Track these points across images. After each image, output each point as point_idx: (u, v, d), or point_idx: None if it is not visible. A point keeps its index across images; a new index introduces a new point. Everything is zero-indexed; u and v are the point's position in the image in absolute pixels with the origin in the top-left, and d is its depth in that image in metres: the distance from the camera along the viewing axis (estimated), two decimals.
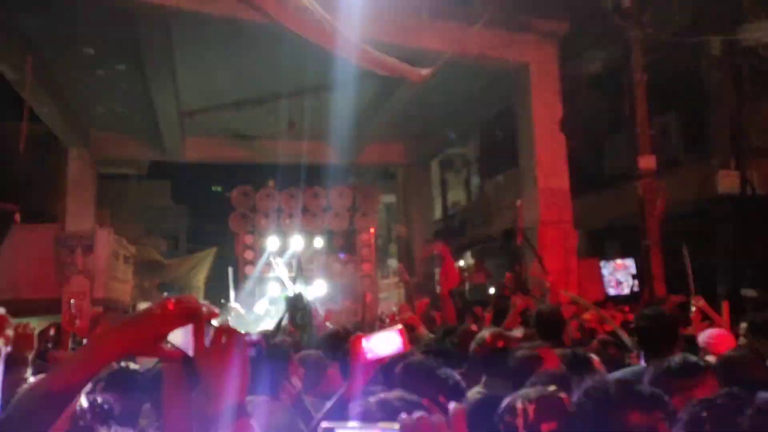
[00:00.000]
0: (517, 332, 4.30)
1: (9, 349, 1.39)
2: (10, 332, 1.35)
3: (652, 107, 8.40)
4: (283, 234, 13.30)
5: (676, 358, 2.33)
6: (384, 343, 1.99)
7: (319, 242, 13.87)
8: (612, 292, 10.72)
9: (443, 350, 3.56)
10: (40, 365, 3.02)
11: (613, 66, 10.36)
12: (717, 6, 9.01)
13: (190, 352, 1.19)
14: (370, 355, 1.98)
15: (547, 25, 9.08)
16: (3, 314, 1.38)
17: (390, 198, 19.30)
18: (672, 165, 9.43)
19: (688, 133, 9.82)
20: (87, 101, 10.81)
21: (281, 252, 12.87)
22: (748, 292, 8.21)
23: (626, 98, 9.04)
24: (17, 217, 5.12)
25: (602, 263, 10.86)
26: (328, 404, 2.20)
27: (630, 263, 10.74)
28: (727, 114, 9.33)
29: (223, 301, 12.61)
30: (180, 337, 1.19)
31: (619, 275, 10.94)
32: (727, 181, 8.98)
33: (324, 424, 1.17)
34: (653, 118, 8.71)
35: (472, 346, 3.19)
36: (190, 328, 1.17)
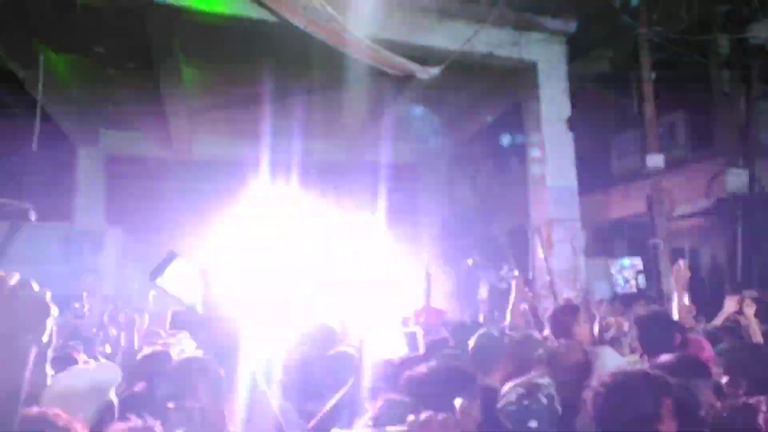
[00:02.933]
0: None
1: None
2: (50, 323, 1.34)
3: (660, 105, 8.41)
4: None
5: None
6: (393, 345, 1.96)
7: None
8: (619, 290, 10.74)
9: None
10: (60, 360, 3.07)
11: (621, 64, 10.37)
12: (725, 4, 9.00)
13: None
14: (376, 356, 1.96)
15: (555, 24, 9.07)
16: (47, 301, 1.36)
17: (398, 196, 19.28)
18: (680, 163, 9.44)
19: (696, 132, 9.82)
20: (97, 100, 10.88)
21: None
22: (750, 294, 8.22)
23: (634, 96, 9.06)
24: (32, 215, 5.16)
25: (610, 262, 10.87)
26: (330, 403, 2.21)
27: (637, 262, 10.75)
28: (735, 112, 9.32)
29: None
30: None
31: (626, 274, 10.95)
32: (736, 180, 8.97)
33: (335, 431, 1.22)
34: (661, 116, 8.70)
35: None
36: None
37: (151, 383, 2.74)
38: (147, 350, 3.74)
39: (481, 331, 3.46)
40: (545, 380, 2.26)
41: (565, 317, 3.68)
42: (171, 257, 1.62)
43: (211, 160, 13.46)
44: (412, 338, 1.98)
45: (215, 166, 13.55)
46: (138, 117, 11.79)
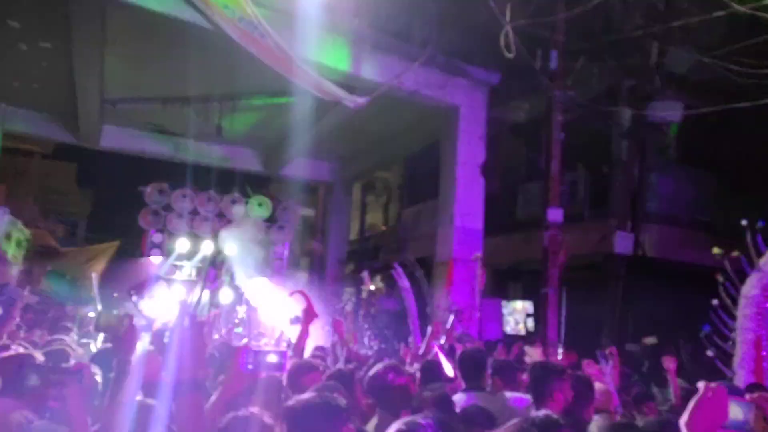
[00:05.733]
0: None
1: None
2: None
3: (564, 162, 8.95)
4: (195, 237, 12.98)
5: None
6: (270, 360, 2.03)
7: (231, 249, 13.62)
8: (509, 330, 11.26)
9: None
10: None
11: (535, 118, 11.00)
12: (632, 80, 9.83)
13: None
14: (250, 368, 2.02)
15: (480, 73, 9.53)
16: None
17: (308, 211, 19.25)
18: (576, 219, 10.07)
19: (594, 192, 10.55)
20: (3, 74, 10.19)
21: (190, 255, 12.56)
22: (648, 340, 9.02)
23: (543, 151, 9.61)
24: None
25: (503, 302, 11.38)
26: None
27: (529, 305, 11.33)
28: (629, 180, 10.12)
29: (116, 295, 12.08)
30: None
31: (517, 316, 11.51)
32: (622, 242, 9.70)
33: None
34: (565, 172, 9.28)
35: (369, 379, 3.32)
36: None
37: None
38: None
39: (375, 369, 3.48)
40: (428, 421, 2.29)
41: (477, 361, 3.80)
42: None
43: (119, 152, 12.89)
44: (281, 356, 2.06)
45: (123, 159, 13.01)
46: (46, 97, 11.13)
